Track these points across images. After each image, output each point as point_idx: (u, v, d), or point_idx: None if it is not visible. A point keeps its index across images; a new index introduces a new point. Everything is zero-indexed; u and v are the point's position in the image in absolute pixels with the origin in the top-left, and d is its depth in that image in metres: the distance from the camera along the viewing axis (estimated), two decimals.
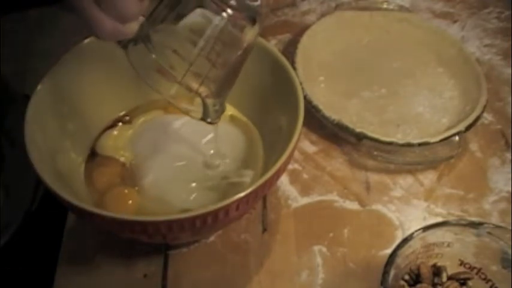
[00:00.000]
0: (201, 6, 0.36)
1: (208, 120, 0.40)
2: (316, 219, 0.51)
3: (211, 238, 0.49)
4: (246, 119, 0.52)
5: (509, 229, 0.41)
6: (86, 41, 0.47)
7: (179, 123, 0.50)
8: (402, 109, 0.60)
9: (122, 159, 0.49)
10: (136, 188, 0.46)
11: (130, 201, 0.46)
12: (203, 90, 0.37)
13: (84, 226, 0.49)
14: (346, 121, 0.55)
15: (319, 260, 0.48)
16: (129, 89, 0.51)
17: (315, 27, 0.65)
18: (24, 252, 0.50)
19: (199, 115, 0.40)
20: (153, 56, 0.36)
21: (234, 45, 0.38)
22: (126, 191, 0.46)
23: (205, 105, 0.39)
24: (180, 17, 0.36)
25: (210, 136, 0.49)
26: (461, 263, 0.43)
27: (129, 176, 0.48)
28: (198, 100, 0.39)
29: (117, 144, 0.50)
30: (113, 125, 0.51)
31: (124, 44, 0.37)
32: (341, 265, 0.48)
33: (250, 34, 0.38)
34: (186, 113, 0.41)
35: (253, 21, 0.37)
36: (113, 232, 0.44)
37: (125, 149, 0.49)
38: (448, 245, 0.42)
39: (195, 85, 0.37)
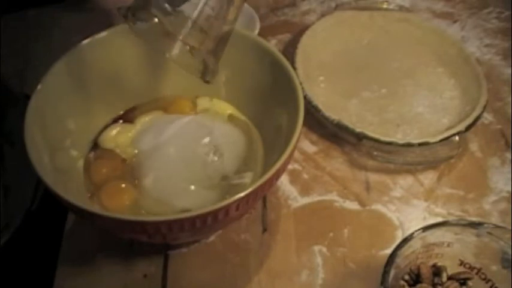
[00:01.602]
0: None
1: (206, 78, 0.41)
2: (316, 219, 0.51)
3: (211, 238, 0.49)
4: (246, 119, 0.53)
5: (509, 229, 0.41)
6: (86, 40, 0.47)
7: (180, 123, 0.50)
8: (402, 109, 0.60)
9: (123, 155, 0.49)
10: (136, 182, 0.47)
11: (126, 196, 0.46)
12: (204, 47, 0.39)
13: (84, 226, 0.49)
14: (346, 121, 0.55)
15: (319, 260, 0.48)
16: (129, 88, 0.51)
17: (315, 27, 0.66)
18: (24, 252, 0.50)
19: (198, 74, 0.42)
20: (156, 19, 0.37)
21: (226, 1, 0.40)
22: (123, 185, 0.46)
23: (205, 64, 0.40)
24: None
25: (210, 136, 0.49)
26: (461, 263, 0.43)
27: (129, 172, 0.48)
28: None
29: (119, 140, 0.50)
30: (114, 123, 0.51)
31: (124, 13, 0.38)
32: (341, 265, 0.48)
33: None
34: (187, 70, 0.42)
35: None
36: (113, 232, 0.45)
37: (126, 146, 0.49)
38: (448, 245, 0.42)
39: (196, 43, 0.39)
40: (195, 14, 0.38)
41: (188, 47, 0.39)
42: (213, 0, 0.39)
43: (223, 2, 0.39)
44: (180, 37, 0.38)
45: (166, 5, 0.38)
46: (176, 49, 0.40)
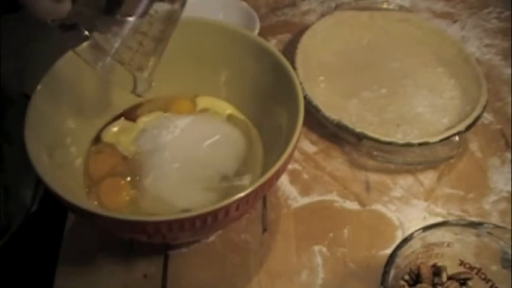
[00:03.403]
0: None
1: (137, 92, 0.42)
2: (316, 219, 0.51)
3: (211, 238, 0.49)
4: (246, 119, 0.53)
5: (509, 229, 0.41)
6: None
7: (181, 123, 0.50)
8: (402, 109, 0.60)
9: (125, 153, 0.49)
10: (137, 180, 0.47)
11: (125, 193, 0.46)
12: (133, 63, 0.39)
13: (84, 226, 0.49)
14: (346, 121, 0.55)
15: (319, 260, 0.48)
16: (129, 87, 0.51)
17: (315, 27, 0.66)
18: (24, 253, 0.50)
19: (129, 89, 0.42)
20: (86, 32, 0.38)
21: (157, 19, 0.40)
22: (122, 182, 0.47)
23: (134, 78, 0.41)
24: None
25: (211, 137, 0.49)
26: (461, 263, 0.43)
27: (130, 170, 0.48)
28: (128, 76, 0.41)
29: (121, 138, 0.50)
30: (115, 120, 0.52)
31: (58, 24, 0.38)
32: (341, 265, 0.48)
33: (170, 9, 0.41)
34: (119, 86, 0.43)
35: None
36: (113, 232, 0.45)
37: (128, 144, 0.49)
38: (448, 245, 0.42)
39: (126, 59, 0.39)
40: (125, 30, 0.38)
41: (118, 62, 0.39)
42: (144, 17, 0.39)
43: (154, 19, 0.39)
44: (110, 52, 0.38)
45: (97, 21, 0.38)
46: (106, 63, 0.40)
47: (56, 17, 0.37)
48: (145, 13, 0.39)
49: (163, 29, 0.41)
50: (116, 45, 0.38)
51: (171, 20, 0.41)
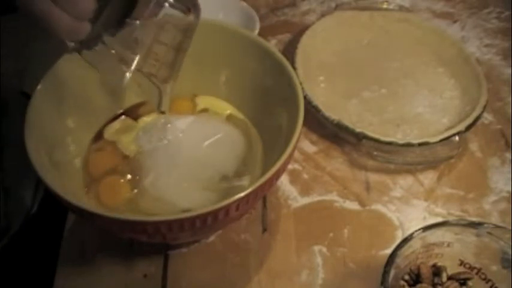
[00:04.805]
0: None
1: (161, 109, 0.42)
2: (316, 219, 0.51)
3: (211, 238, 0.49)
4: (246, 119, 0.53)
5: (509, 229, 0.41)
6: None
7: (182, 123, 0.50)
8: (402, 109, 0.60)
9: (126, 152, 0.49)
10: (137, 180, 0.47)
11: (124, 192, 0.46)
12: (160, 74, 0.40)
13: (84, 226, 0.49)
14: (346, 121, 0.55)
15: (319, 260, 0.48)
16: (129, 86, 0.51)
17: (315, 27, 0.66)
18: (24, 254, 0.50)
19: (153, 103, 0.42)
20: (113, 51, 0.38)
21: (178, 30, 0.41)
22: (122, 181, 0.47)
23: (160, 94, 0.41)
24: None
25: (211, 137, 0.49)
26: (461, 263, 0.43)
27: (130, 170, 0.48)
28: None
29: (122, 137, 0.50)
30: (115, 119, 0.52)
31: (78, 43, 0.38)
32: (341, 265, 0.48)
33: (187, 20, 0.41)
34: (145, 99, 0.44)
35: (188, 10, 0.41)
36: (113, 232, 0.45)
37: (128, 143, 0.50)
38: (448, 245, 0.42)
39: (153, 70, 0.40)
40: (144, 44, 0.39)
41: (143, 74, 0.39)
42: (167, 28, 0.39)
43: (172, 31, 0.40)
44: (134, 65, 0.39)
45: (115, 35, 0.38)
46: (129, 77, 0.40)
47: (75, 38, 0.36)
48: (152, 16, 0.39)
49: (180, 40, 0.41)
50: (141, 58, 0.39)
51: (187, 32, 0.41)
